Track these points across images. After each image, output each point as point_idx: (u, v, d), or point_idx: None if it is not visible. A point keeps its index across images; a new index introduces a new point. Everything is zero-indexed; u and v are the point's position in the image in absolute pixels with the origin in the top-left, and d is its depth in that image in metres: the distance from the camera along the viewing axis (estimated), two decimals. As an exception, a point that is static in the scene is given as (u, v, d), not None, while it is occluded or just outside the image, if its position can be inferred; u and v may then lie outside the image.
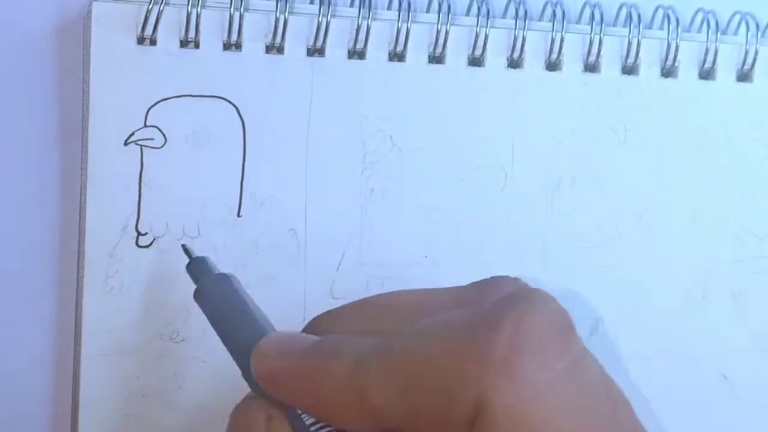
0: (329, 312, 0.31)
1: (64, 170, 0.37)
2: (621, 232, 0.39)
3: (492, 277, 0.29)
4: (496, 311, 0.25)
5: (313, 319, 0.31)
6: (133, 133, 0.36)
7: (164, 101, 0.37)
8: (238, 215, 0.37)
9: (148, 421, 0.37)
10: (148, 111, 0.36)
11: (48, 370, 0.38)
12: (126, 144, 0.36)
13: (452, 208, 0.38)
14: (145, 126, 0.36)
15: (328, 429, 0.27)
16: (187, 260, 0.33)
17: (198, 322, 0.37)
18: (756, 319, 0.40)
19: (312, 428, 0.27)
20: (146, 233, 0.36)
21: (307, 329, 0.30)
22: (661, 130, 0.39)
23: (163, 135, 0.37)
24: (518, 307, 0.25)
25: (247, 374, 0.29)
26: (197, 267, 0.32)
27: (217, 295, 0.31)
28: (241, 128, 0.37)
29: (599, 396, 0.25)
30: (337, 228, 0.38)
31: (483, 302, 0.26)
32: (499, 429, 0.24)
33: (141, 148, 0.36)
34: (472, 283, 0.29)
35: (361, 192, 0.38)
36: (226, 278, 0.31)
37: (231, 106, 0.37)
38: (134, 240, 0.36)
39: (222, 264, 0.37)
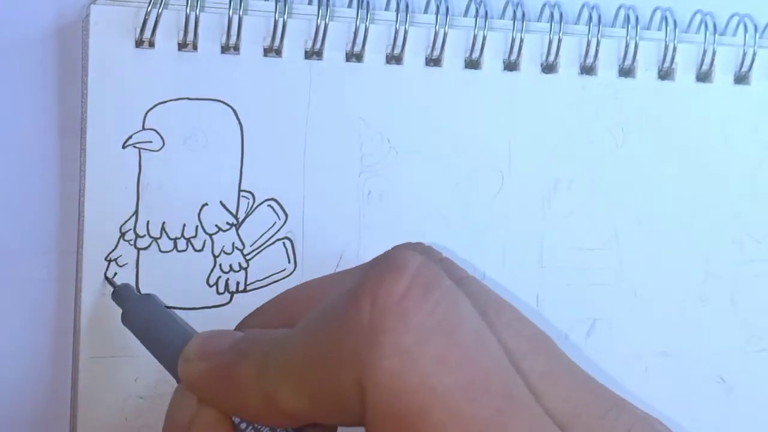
0: (253, 311, 0.31)
1: (62, 173, 0.37)
2: (618, 235, 0.39)
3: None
4: (358, 283, 0.24)
5: (243, 319, 0.31)
6: (131, 136, 0.36)
7: (162, 104, 0.37)
8: (236, 217, 0.37)
9: (146, 423, 0.37)
10: (146, 114, 0.36)
11: (46, 371, 0.38)
12: (124, 147, 0.36)
13: (449, 210, 0.38)
14: (144, 129, 0.36)
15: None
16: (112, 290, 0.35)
17: (196, 324, 0.37)
18: (754, 321, 0.40)
19: (242, 426, 0.28)
20: (144, 235, 0.36)
21: (237, 328, 0.31)
22: (658, 132, 0.39)
23: (161, 137, 0.37)
24: (375, 276, 0.24)
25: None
26: (121, 294, 0.35)
27: (142, 314, 0.33)
28: (239, 131, 0.37)
29: (476, 346, 0.24)
30: (335, 230, 0.38)
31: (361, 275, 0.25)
32: (382, 403, 0.23)
33: (139, 151, 0.36)
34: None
35: (358, 194, 0.38)
36: (148, 297, 0.34)
37: (229, 108, 0.37)
38: (132, 242, 0.36)
39: (219, 266, 0.37)
